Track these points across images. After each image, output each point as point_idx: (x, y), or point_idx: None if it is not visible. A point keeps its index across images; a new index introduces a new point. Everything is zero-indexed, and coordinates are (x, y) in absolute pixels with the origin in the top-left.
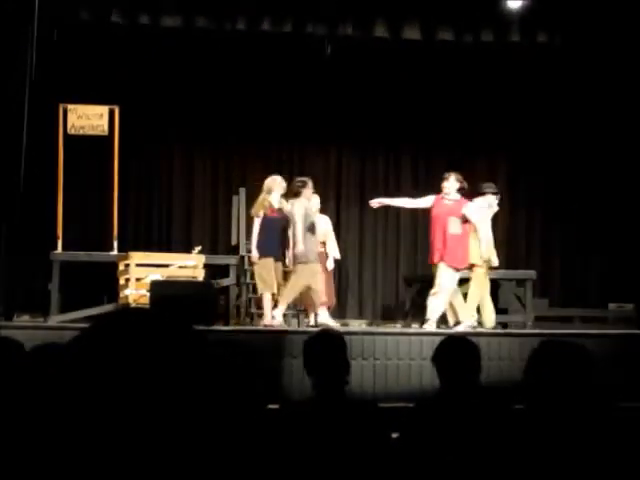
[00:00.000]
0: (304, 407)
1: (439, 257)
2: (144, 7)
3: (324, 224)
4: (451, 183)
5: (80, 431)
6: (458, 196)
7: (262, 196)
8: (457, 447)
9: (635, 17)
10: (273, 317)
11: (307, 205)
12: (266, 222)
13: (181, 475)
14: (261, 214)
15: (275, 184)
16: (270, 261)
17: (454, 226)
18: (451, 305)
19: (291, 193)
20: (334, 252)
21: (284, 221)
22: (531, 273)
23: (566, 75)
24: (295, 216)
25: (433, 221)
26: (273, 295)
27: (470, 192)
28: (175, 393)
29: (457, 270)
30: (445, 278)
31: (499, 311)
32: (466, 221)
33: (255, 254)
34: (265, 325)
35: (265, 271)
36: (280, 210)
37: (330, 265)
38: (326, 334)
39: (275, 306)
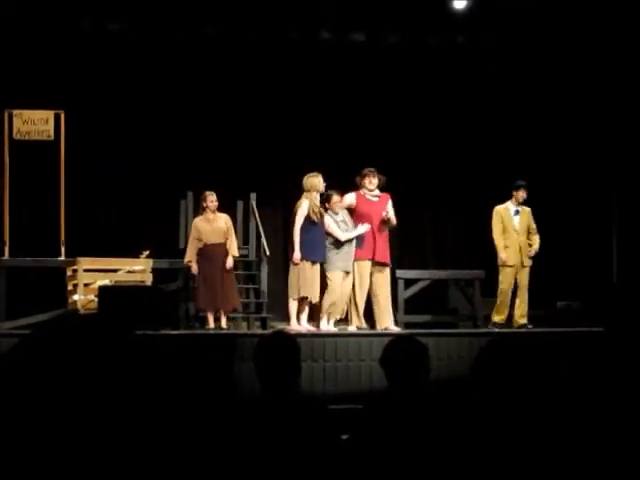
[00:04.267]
0: (253, 409)
1: (386, 256)
2: (89, 11)
3: (223, 222)
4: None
5: (20, 431)
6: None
7: (310, 195)
8: (406, 447)
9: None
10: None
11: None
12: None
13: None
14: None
15: (320, 181)
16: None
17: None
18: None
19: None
20: (233, 250)
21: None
22: (479, 273)
23: (516, 74)
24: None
25: (368, 219)
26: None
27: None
28: (111, 394)
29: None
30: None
31: (448, 311)
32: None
33: (298, 256)
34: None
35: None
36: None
37: (229, 263)
38: (279, 336)
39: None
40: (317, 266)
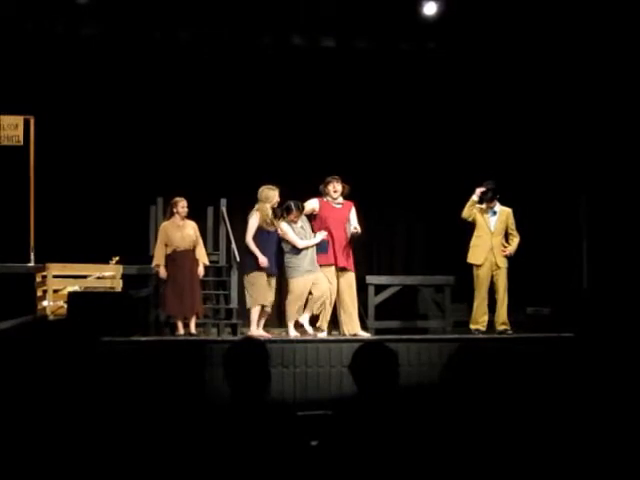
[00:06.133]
0: (222, 415)
1: (350, 262)
2: (60, 15)
3: (191, 230)
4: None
5: None
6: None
7: (262, 206)
8: (375, 453)
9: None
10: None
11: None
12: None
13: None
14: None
15: (275, 195)
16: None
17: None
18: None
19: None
20: (203, 258)
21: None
22: (449, 279)
23: (486, 78)
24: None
25: (329, 225)
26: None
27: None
28: (79, 399)
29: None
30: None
31: (419, 317)
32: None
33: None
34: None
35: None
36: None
37: (201, 272)
38: (249, 343)
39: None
40: (272, 276)
